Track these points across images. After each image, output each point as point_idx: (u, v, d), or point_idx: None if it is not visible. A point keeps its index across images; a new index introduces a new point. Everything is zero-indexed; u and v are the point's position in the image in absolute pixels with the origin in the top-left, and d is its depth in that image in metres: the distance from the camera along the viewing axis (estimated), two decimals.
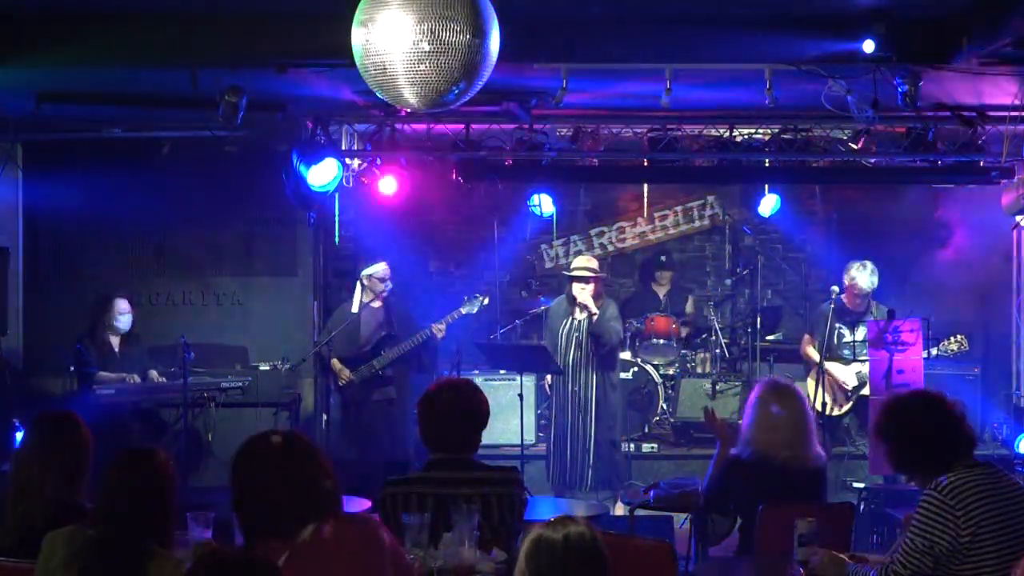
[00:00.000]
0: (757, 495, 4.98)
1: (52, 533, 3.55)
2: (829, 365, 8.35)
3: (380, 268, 8.56)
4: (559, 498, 8.08)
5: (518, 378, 8.53)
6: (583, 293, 8.12)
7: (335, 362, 8.58)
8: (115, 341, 8.46)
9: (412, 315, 8.84)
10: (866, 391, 8.25)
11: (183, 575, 3.45)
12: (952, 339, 8.28)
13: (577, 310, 8.18)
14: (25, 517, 3.92)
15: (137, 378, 8.39)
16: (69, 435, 4.07)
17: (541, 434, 9.80)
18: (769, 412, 5.11)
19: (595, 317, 8.08)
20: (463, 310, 8.51)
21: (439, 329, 8.43)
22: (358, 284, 8.66)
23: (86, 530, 3.49)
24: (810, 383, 8.58)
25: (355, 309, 8.61)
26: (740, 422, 5.42)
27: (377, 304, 8.59)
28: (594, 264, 8.41)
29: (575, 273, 8.25)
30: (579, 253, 11.10)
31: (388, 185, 8.83)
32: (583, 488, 8.15)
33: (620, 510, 7.76)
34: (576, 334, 8.17)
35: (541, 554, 2.77)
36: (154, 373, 8.52)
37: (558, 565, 2.76)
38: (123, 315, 8.44)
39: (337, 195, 9.06)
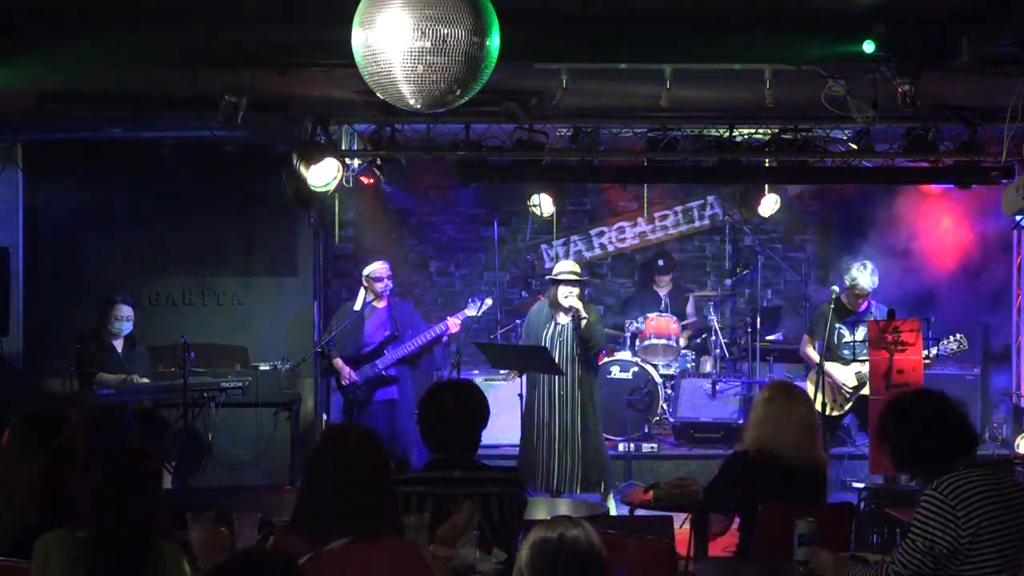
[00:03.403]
0: (759, 492, 4.98)
1: (41, 539, 3.54)
2: (829, 365, 8.35)
3: (377, 267, 8.57)
4: (559, 498, 8.08)
5: (518, 378, 8.52)
6: (571, 297, 8.11)
7: (338, 361, 8.58)
8: (118, 344, 8.48)
9: (417, 315, 8.84)
10: (866, 391, 8.24)
11: (184, 556, 3.48)
12: (952, 339, 8.27)
13: (561, 314, 8.16)
14: (18, 516, 3.91)
15: (139, 378, 8.39)
16: (52, 433, 4.05)
17: None
18: (777, 411, 5.13)
19: (583, 321, 8.07)
20: (468, 312, 8.51)
21: (455, 323, 8.44)
22: (363, 284, 8.67)
23: (76, 532, 3.48)
24: (810, 383, 8.58)
25: (357, 307, 8.61)
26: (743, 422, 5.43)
27: (380, 304, 8.59)
28: (578, 268, 8.42)
29: (562, 277, 8.23)
30: (579, 253, 11.13)
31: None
32: (573, 490, 8.13)
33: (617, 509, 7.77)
34: (560, 338, 8.16)
35: (537, 556, 2.77)
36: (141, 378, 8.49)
37: (557, 566, 2.76)
38: (121, 320, 8.42)
39: (337, 195, 9.07)
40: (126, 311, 8.47)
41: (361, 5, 3.85)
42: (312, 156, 7.94)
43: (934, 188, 9.90)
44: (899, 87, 6.28)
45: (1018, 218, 9.09)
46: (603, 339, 8.18)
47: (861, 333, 8.44)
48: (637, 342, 10.06)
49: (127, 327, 8.47)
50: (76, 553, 3.43)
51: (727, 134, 8.32)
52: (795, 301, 10.87)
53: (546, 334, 8.21)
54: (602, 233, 11.29)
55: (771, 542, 4.75)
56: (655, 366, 9.93)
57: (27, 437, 4.05)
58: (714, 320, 10.26)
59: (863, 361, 8.30)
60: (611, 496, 8.24)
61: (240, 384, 8.55)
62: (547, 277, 8.76)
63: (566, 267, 8.37)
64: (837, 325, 8.42)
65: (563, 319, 8.14)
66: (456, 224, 11.16)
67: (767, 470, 5.05)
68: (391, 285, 8.68)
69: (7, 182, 9.28)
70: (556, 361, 8.12)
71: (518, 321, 10.28)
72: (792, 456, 5.06)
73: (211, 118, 6.84)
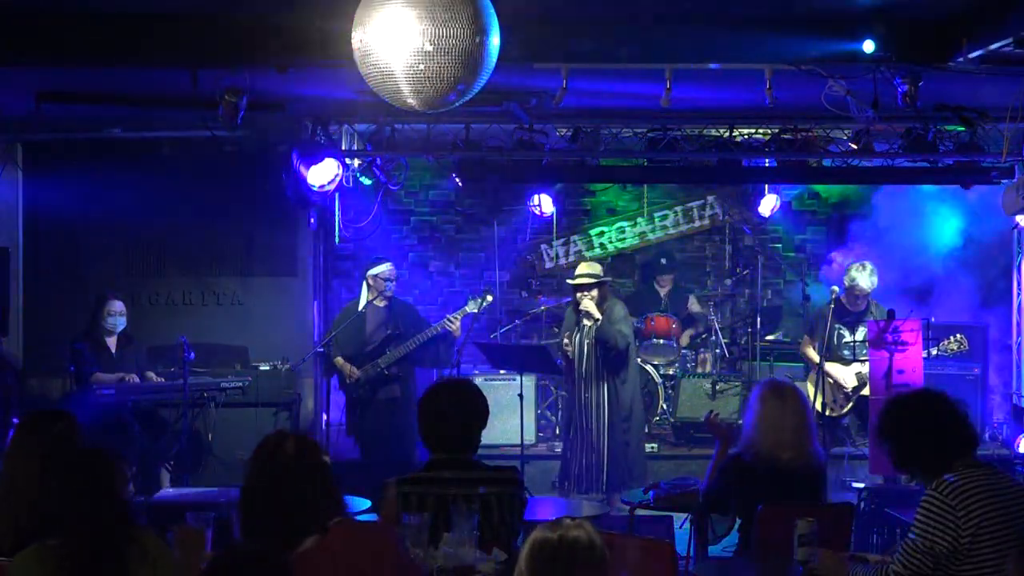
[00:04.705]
0: (759, 495, 4.97)
1: (13, 562, 3.50)
2: (829, 366, 8.35)
3: (385, 268, 8.55)
4: (560, 498, 8.08)
5: (518, 378, 8.52)
6: (585, 300, 8.10)
7: (339, 360, 8.57)
8: (111, 342, 8.46)
9: (418, 314, 8.83)
10: (866, 391, 8.24)
11: (165, 548, 3.47)
12: (952, 339, 8.27)
13: (584, 317, 8.14)
14: (12, 518, 3.90)
15: (136, 378, 8.39)
16: (49, 436, 4.03)
17: (541, 434, 9.81)
18: (771, 413, 5.09)
19: (599, 322, 8.05)
20: (468, 309, 8.49)
21: (452, 322, 8.39)
22: (364, 283, 8.66)
23: (48, 544, 3.43)
24: (810, 384, 8.58)
25: (361, 308, 8.60)
26: (740, 422, 5.40)
27: (382, 303, 8.58)
28: (596, 269, 8.33)
29: (576, 281, 8.22)
30: (579, 253, 11.13)
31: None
32: (600, 492, 8.13)
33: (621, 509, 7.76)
34: (587, 340, 8.15)
35: (539, 555, 2.77)
36: (151, 374, 8.51)
37: (556, 566, 2.76)
38: (114, 316, 8.41)
39: (337, 195, 9.07)
40: (118, 306, 8.45)
41: (361, 5, 3.86)
42: (312, 156, 7.94)
43: (934, 188, 9.89)
44: (899, 87, 6.28)
45: (1018, 218, 9.08)
46: (620, 338, 8.11)
47: (861, 333, 8.44)
48: (637, 342, 10.04)
49: (120, 322, 8.45)
50: (53, 563, 3.38)
51: (727, 134, 8.32)
52: (795, 301, 10.87)
53: (576, 338, 8.21)
54: (602, 233, 11.29)
55: (771, 542, 4.74)
56: (655, 366, 9.93)
57: (27, 437, 4.05)
58: (714, 320, 10.26)
59: (863, 361, 8.30)
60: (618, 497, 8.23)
61: (240, 384, 8.55)
62: (567, 281, 8.75)
63: (582, 269, 8.34)
64: (837, 325, 8.42)
65: (587, 321, 8.12)
66: (456, 224, 11.17)
67: (765, 473, 5.03)
68: (394, 285, 8.67)
69: (7, 182, 9.28)
70: (581, 366, 8.11)
71: (518, 321, 10.29)
72: (789, 457, 5.05)
73: (211, 118, 6.84)
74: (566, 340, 8.27)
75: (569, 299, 8.67)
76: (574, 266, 10.90)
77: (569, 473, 8.31)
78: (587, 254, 11.07)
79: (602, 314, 8.11)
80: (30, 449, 4.00)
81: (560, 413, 9.79)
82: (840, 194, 10.97)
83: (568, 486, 8.31)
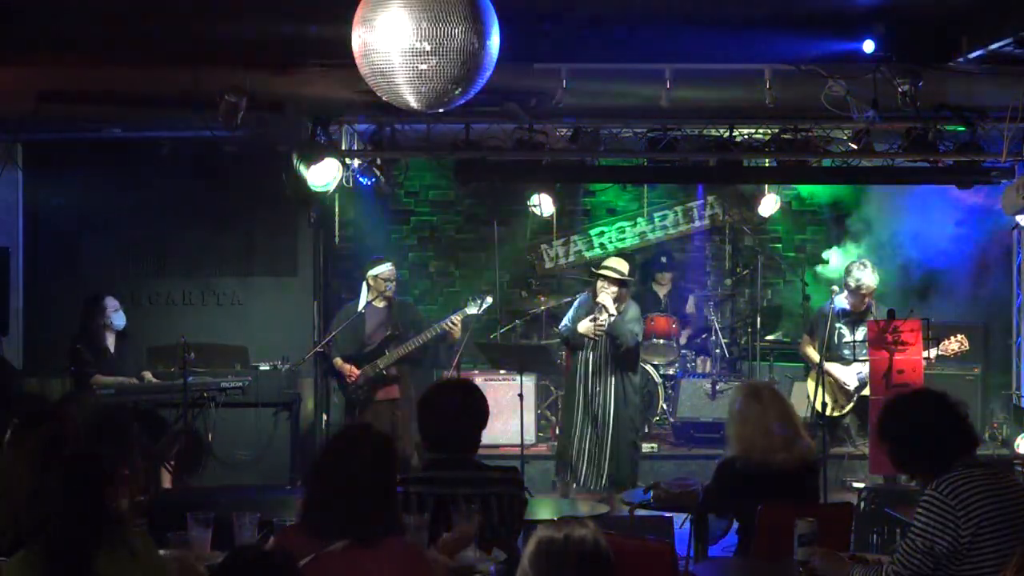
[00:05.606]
0: (755, 497, 4.97)
1: (5, 567, 3.48)
2: (829, 365, 8.34)
3: (385, 268, 8.54)
4: (560, 499, 8.07)
5: (518, 378, 8.52)
6: (603, 293, 8.06)
7: (338, 360, 8.56)
8: (111, 341, 8.47)
9: (418, 314, 8.83)
10: (866, 391, 8.24)
11: (155, 549, 3.46)
12: (952, 339, 8.27)
13: (598, 310, 8.10)
14: (9, 517, 3.89)
15: (135, 380, 8.39)
16: (44, 436, 4.03)
17: (541, 434, 9.80)
18: (753, 417, 5.10)
19: (612, 318, 8.03)
20: (468, 311, 8.48)
21: (454, 324, 8.37)
22: (364, 284, 8.65)
23: (35, 549, 3.39)
24: (810, 383, 8.57)
25: (360, 308, 8.59)
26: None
27: (381, 304, 8.57)
28: (624, 268, 8.27)
29: (602, 272, 8.17)
30: (579, 253, 11.12)
31: None
32: (600, 489, 8.11)
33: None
34: (600, 334, 8.12)
35: (543, 556, 2.77)
36: (148, 374, 8.50)
37: (563, 566, 2.76)
38: (116, 311, 8.44)
39: (337, 195, 9.06)
40: (115, 303, 8.48)
41: (361, 5, 3.85)
42: (312, 156, 7.94)
43: (934, 188, 9.88)
44: (899, 87, 6.28)
45: (1018, 218, 9.08)
46: (632, 338, 8.09)
47: (861, 333, 8.44)
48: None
49: (121, 317, 8.47)
50: (40, 568, 3.36)
51: (727, 134, 8.31)
52: (795, 301, 10.87)
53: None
54: (602, 233, 11.30)
55: (771, 542, 4.74)
56: (655, 366, 9.93)
57: (14, 439, 4.04)
58: (714, 320, 10.25)
59: (863, 361, 8.30)
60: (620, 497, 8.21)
61: (240, 384, 8.55)
62: (592, 268, 8.70)
63: (609, 263, 8.28)
64: (837, 325, 8.42)
65: (602, 315, 8.08)
66: (456, 224, 11.17)
67: (759, 476, 5.03)
68: (394, 286, 8.66)
69: (7, 182, 9.28)
70: (588, 358, 8.08)
71: (518, 321, 10.28)
72: (783, 459, 5.05)
73: (211, 118, 6.84)
74: (598, 322, 8.13)
75: (569, 299, 8.63)
76: (574, 266, 10.95)
77: (569, 464, 8.26)
78: (587, 254, 11.08)
79: (618, 312, 8.09)
80: (28, 447, 4.00)
81: (561, 413, 9.77)
82: (832, 195, 10.95)
83: (568, 479, 8.26)
